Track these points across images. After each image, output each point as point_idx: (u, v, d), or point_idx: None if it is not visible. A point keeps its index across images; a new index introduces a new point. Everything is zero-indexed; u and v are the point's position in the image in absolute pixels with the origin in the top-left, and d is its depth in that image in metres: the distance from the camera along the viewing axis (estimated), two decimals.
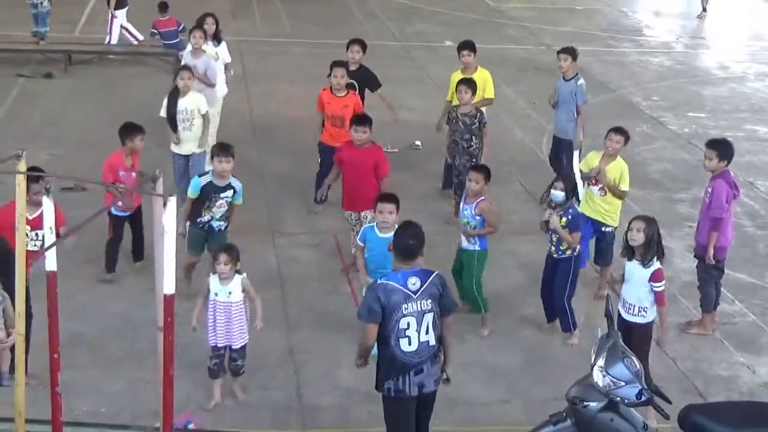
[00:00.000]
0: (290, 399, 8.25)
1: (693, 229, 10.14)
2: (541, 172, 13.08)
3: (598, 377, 6.64)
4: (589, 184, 10.16)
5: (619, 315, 8.11)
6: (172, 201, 4.59)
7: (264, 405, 8.11)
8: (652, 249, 7.99)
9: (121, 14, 19.13)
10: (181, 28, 17.42)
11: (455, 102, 11.98)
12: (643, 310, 8.05)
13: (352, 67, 12.29)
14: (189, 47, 12.92)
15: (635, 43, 23.14)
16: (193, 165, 11.24)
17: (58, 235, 5.39)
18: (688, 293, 10.12)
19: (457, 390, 8.40)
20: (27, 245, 8.21)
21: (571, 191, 9.18)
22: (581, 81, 12.28)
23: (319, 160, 11.83)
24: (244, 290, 7.92)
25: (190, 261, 9.56)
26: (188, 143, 11.31)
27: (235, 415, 7.87)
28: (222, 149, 9.40)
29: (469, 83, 11.58)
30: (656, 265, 7.99)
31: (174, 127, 11.22)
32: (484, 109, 12.02)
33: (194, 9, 16.04)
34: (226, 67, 13.60)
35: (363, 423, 7.92)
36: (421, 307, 6.67)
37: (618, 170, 10.05)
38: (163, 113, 11.30)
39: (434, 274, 6.81)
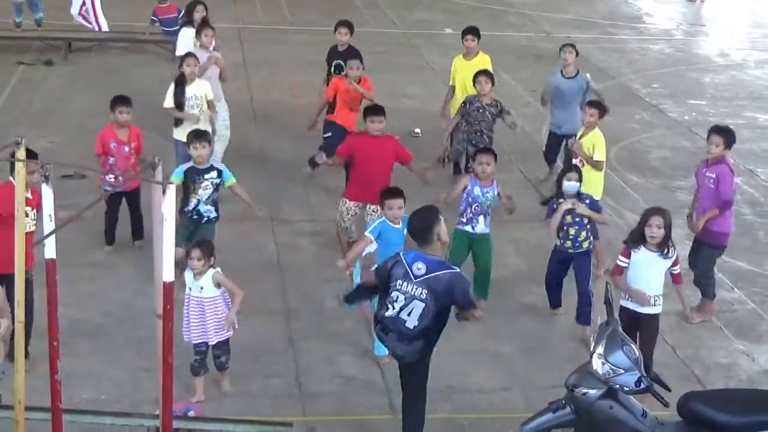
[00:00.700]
0: (290, 387, 8.26)
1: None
2: (541, 160, 13.08)
3: (597, 365, 6.66)
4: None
5: (626, 308, 8.07)
6: (172, 188, 4.59)
7: (264, 393, 8.12)
8: (669, 239, 8.01)
9: None
10: (181, 15, 17.34)
11: (462, 90, 12.21)
12: (657, 299, 8.05)
13: (341, 49, 12.62)
14: (189, 39, 12.79)
15: (635, 31, 23.09)
16: None
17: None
18: (687, 280, 10.10)
19: (457, 377, 8.43)
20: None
21: (580, 179, 9.15)
22: (588, 75, 12.41)
23: (329, 134, 11.91)
24: (219, 285, 7.76)
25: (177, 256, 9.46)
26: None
27: (236, 402, 7.88)
28: (197, 136, 9.44)
29: (488, 74, 11.79)
30: (674, 251, 8.06)
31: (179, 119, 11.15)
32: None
33: None
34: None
35: (363, 411, 7.94)
36: (414, 292, 6.88)
37: (591, 141, 10.55)
38: (167, 104, 11.17)
39: (447, 271, 6.96)
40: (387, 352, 7.45)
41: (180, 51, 12.67)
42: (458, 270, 7.10)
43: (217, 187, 9.43)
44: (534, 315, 9.63)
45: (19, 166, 5.19)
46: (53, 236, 4.93)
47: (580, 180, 9.05)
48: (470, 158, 11.56)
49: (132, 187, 10.24)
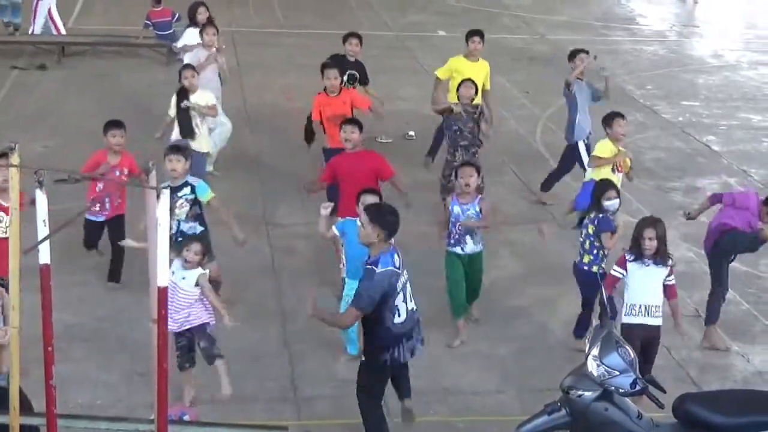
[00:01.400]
0: (285, 390, 8.26)
1: (687, 219, 10.12)
2: (535, 163, 13.09)
3: (592, 367, 6.66)
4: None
5: (635, 324, 7.96)
6: (166, 193, 4.59)
7: (259, 396, 8.12)
8: (664, 247, 7.97)
9: (49, 2, 18.40)
10: (176, 18, 17.36)
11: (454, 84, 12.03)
12: (659, 309, 8.04)
13: (351, 59, 12.38)
14: (192, 40, 12.81)
15: (629, 32, 23.12)
16: (194, 164, 10.97)
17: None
18: (683, 284, 10.11)
19: (452, 380, 8.43)
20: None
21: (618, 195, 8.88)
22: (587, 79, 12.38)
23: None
24: (198, 284, 7.67)
25: None
26: (200, 140, 11.13)
27: (231, 406, 7.86)
28: (172, 149, 8.97)
29: (474, 84, 11.48)
30: (670, 260, 8.02)
31: (187, 125, 11.01)
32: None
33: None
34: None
35: (358, 414, 7.92)
36: (404, 278, 7.05)
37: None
38: (172, 112, 11.10)
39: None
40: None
41: (180, 45, 12.78)
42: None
43: (195, 202, 8.90)
44: (529, 317, 9.64)
45: (13, 172, 5.17)
46: (47, 242, 4.92)
47: (618, 196, 8.82)
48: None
49: (113, 215, 9.60)
